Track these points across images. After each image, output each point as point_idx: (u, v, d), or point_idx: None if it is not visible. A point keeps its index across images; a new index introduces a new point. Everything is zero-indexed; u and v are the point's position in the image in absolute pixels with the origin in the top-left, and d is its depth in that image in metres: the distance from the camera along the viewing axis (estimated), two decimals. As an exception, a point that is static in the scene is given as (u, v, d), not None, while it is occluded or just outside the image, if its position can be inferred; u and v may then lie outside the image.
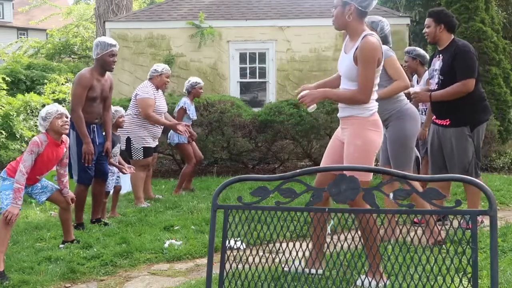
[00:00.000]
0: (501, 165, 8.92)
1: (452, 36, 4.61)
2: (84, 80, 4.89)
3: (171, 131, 6.64)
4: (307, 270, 2.89)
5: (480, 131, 4.58)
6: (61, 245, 4.45)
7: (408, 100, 4.37)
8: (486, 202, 2.40)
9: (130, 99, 8.81)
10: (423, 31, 4.80)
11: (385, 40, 4.13)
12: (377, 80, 3.33)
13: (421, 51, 5.80)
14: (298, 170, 2.18)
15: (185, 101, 6.79)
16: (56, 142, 4.11)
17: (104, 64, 5.01)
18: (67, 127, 4.16)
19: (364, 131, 3.27)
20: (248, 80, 10.98)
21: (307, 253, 3.23)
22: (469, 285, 1.86)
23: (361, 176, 3.05)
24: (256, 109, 9.26)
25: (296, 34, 10.67)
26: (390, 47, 4.23)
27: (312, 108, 3.35)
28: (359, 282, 2.96)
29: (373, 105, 3.33)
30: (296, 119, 8.23)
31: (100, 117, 5.13)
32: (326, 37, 10.59)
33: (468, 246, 1.90)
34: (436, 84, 4.60)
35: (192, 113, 6.86)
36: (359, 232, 2.96)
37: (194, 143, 6.92)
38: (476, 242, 1.86)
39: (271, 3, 11.40)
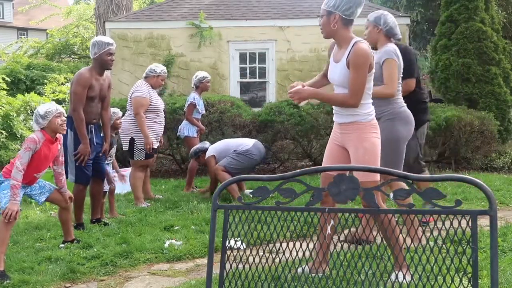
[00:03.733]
0: (501, 165, 8.92)
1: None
2: (84, 79, 4.88)
3: (182, 124, 7.08)
4: (313, 274, 2.91)
5: (421, 133, 4.85)
6: (61, 245, 4.45)
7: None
8: (486, 202, 2.40)
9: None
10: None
11: (391, 33, 4.05)
12: (369, 84, 3.35)
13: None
14: (298, 170, 2.18)
15: (194, 96, 6.98)
16: (52, 139, 4.10)
17: (103, 63, 4.99)
18: (65, 126, 4.16)
19: (369, 134, 3.36)
20: (248, 80, 10.99)
21: (308, 254, 3.24)
22: (469, 285, 1.86)
23: (370, 176, 3.09)
24: (256, 109, 9.26)
25: (296, 34, 10.67)
26: (399, 39, 4.14)
27: (303, 103, 3.44)
28: (393, 277, 2.95)
29: (372, 109, 3.42)
30: (296, 119, 8.22)
31: (98, 117, 5.12)
32: (326, 37, 10.57)
33: (468, 246, 1.90)
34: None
35: (201, 107, 7.08)
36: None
37: (199, 139, 7.16)
38: (476, 242, 1.86)
39: (271, 3, 11.40)
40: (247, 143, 6.33)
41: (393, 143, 4.02)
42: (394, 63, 3.97)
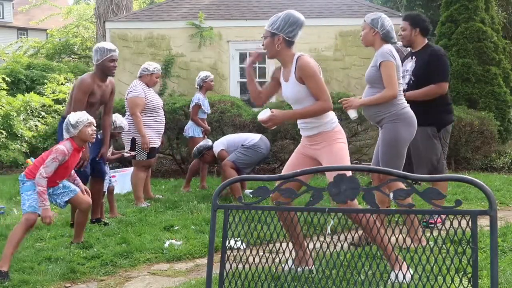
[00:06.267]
0: (501, 165, 8.92)
1: (426, 40, 4.81)
2: (85, 85, 4.87)
3: (187, 125, 7.12)
4: (296, 268, 2.97)
5: (446, 132, 4.87)
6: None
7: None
8: (486, 202, 2.40)
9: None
10: (398, 33, 4.83)
11: (387, 36, 4.01)
12: None
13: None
14: (298, 170, 2.18)
15: (198, 97, 6.97)
16: (79, 148, 4.14)
17: (105, 70, 4.98)
18: (95, 135, 4.21)
19: (336, 140, 3.49)
20: (248, 80, 10.97)
21: (300, 253, 3.25)
22: (469, 285, 1.86)
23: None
24: (256, 109, 9.25)
25: (296, 34, 10.65)
26: (395, 42, 4.11)
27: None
28: (392, 276, 2.95)
29: (333, 116, 3.56)
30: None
31: (98, 122, 5.11)
32: (326, 37, 10.59)
33: (468, 246, 1.90)
34: (406, 84, 4.73)
35: (206, 107, 7.08)
36: (359, 233, 2.95)
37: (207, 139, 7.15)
38: (476, 242, 1.86)
39: (271, 3, 11.40)
40: (253, 137, 6.30)
41: (393, 145, 3.98)
42: (391, 64, 3.92)
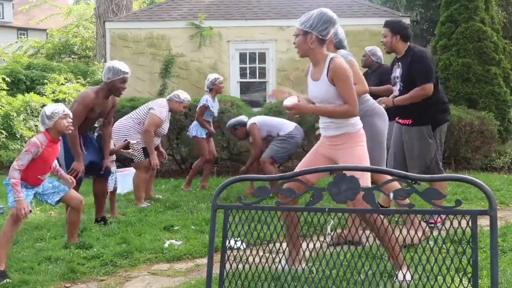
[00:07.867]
0: (501, 165, 8.92)
1: (408, 44, 4.78)
2: (88, 100, 4.80)
3: (192, 124, 7.09)
4: (289, 267, 2.98)
5: (441, 131, 4.82)
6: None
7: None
8: (486, 202, 2.40)
9: (130, 99, 8.80)
10: (380, 40, 4.94)
11: (340, 45, 4.25)
12: None
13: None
14: (298, 170, 2.18)
15: (206, 99, 6.94)
16: (55, 140, 4.06)
17: (113, 89, 4.91)
18: (71, 128, 4.14)
19: (359, 143, 3.46)
20: (248, 80, 10.99)
21: (308, 254, 3.26)
22: (469, 285, 1.86)
23: (365, 181, 3.13)
24: (256, 109, 9.26)
25: (296, 34, 10.65)
26: (348, 51, 4.30)
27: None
28: (400, 277, 2.96)
29: (358, 119, 3.52)
30: (296, 119, 8.21)
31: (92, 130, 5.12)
32: (326, 37, 10.58)
33: (468, 246, 1.90)
34: (398, 90, 4.77)
35: (214, 109, 7.06)
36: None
37: (212, 140, 7.22)
38: (476, 242, 1.86)
39: (271, 3, 11.41)
40: (288, 125, 6.43)
41: (376, 138, 4.18)
42: (355, 63, 4.14)
